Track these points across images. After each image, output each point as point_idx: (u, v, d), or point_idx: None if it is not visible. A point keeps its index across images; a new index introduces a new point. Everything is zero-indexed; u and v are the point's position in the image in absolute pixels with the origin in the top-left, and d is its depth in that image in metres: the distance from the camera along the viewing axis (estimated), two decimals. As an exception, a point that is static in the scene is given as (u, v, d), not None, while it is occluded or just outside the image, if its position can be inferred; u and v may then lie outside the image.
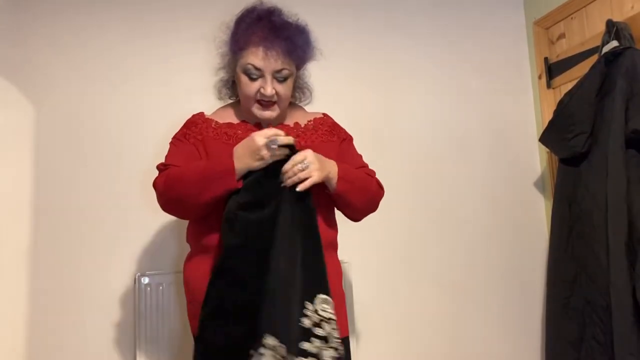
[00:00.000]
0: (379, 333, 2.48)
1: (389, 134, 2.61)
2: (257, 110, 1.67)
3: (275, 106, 1.67)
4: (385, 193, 1.80)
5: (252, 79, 1.63)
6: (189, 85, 2.35)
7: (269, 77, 1.62)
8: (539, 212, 2.78)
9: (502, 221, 2.72)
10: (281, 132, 1.54)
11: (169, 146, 1.73)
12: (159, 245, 2.28)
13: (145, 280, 2.20)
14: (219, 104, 1.81)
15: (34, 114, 2.26)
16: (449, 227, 2.65)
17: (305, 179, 1.54)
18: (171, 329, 2.19)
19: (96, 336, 2.20)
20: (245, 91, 1.65)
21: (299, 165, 1.54)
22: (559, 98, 2.52)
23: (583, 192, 2.32)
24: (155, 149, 1.94)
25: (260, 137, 1.51)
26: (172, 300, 2.21)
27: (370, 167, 1.83)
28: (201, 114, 1.74)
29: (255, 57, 1.61)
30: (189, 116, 1.76)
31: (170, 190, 1.59)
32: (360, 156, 1.84)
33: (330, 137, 1.75)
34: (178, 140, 1.71)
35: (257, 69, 1.61)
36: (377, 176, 1.79)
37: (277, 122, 1.72)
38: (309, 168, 1.54)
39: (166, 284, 2.21)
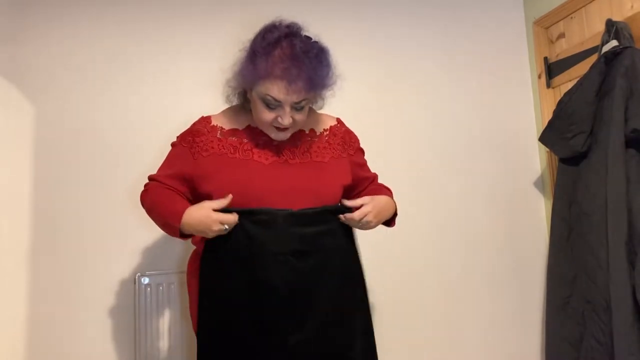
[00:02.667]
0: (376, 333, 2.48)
1: (387, 133, 2.61)
2: (272, 134, 1.66)
3: (290, 129, 1.66)
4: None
5: (270, 108, 1.60)
6: (191, 86, 2.36)
7: (287, 108, 1.59)
8: (538, 212, 2.78)
9: (502, 221, 2.72)
10: (234, 220, 1.57)
11: (170, 147, 1.74)
12: (159, 245, 2.28)
13: (145, 280, 2.20)
14: (223, 105, 1.79)
15: (34, 114, 2.26)
16: (448, 227, 2.65)
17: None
18: (171, 329, 2.19)
19: (96, 336, 2.20)
20: (261, 117, 1.62)
21: (358, 224, 1.65)
22: (558, 97, 2.52)
23: (583, 192, 2.32)
24: (156, 148, 1.95)
25: (215, 224, 1.55)
26: (172, 301, 2.21)
27: (369, 166, 1.87)
28: (207, 120, 1.72)
29: (277, 91, 1.56)
30: (191, 116, 1.76)
31: (145, 207, 1.73)
32: (367, 165, 1.88)
33: (341, 152, 1.77)
34: (180, 146, 1.72)
35: (276, 100, 1.57)
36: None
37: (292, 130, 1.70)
38: (366, 226, 1.67)
39: (166, 284, 2.22)
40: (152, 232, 2.23)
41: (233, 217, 1.56)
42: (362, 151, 1.87)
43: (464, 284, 2.63)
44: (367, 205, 1.65)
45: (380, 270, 2.52)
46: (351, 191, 1.80)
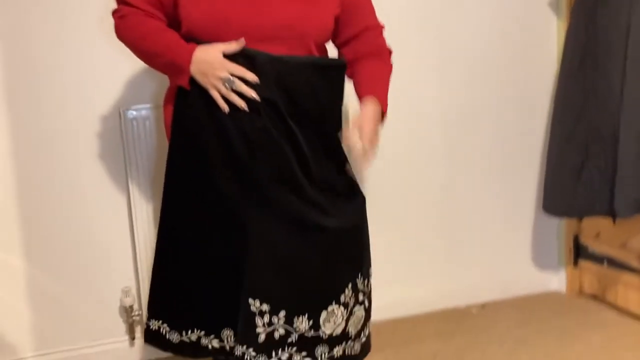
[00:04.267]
0: (376, 170, 2.43)
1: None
2: None
3: None
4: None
5: None
6: None
7: None
8: (550, 34, 2.59)
9: (509, 40, 2.53)
10: (247, 75, 1.40)
11: None
12: (142, 78, 2.12)
13: (132, 114, 2.08)
14: None
15: None
16: (450, 49, 2.47)
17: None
18: (162, 162, 2.12)
19: (86, 173, 2.14)
20: None
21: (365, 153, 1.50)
22: None
23: (605, 14, 2.14)
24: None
25: (221, 70, 1.39)
26: (161, 134, 2.11)
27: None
28: None
29: None
30: None
31: (124, 40, 1.52)
32: (371, 8, 1.65)
33: None
34: None
35: None
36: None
37: None
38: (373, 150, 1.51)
39: (154, 117, 2.09)
40: (133, 63, 2.07)
41: (242, 71, 1.40)
42: None
43: (465, 113, 2.53)
44: (364, 134, 1.50)
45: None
46: (341, 29, 1.59)
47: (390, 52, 1.71)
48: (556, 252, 2.73)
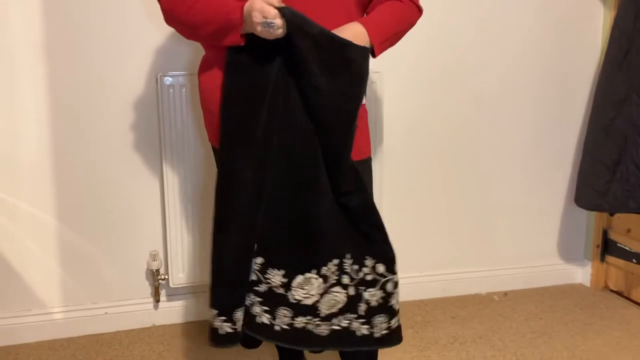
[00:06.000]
0: (407, 151, 2.42)
1: None
2: None
3: None
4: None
5: None
6: None
7: None
8: (595, 22, 2.52)
9: (552, 27, 2.49)
10: (275, 14, 1.30)
11: None
12: (182, 44, 2.12)
13: (168, 80, 2.09)
14: None
15: None
16: (488, 29, 2.42)
17: None
18: (197, 131, 2.13)
19: (120, 136, 2.16)
20: None
21: None
22: None
23: (655, 4, 2.07)
24: None
25: (257, 14, 1.30)
26: (196, 102, 2.11)
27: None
28: None
29: None
30: None
31: (173, 17, 1.46)
32: None
33: None
34: None
35: None
36: None
37: None
38: None
39: (191, 85, 2.10)
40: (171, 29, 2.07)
41: (273, 11, 1.29)
42: None
43: (502, 93, 2.49)
44: None
45: (414, 81, 2.37)
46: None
47: (416, 8, 1.52)
48: (583, 245, 2.70)
